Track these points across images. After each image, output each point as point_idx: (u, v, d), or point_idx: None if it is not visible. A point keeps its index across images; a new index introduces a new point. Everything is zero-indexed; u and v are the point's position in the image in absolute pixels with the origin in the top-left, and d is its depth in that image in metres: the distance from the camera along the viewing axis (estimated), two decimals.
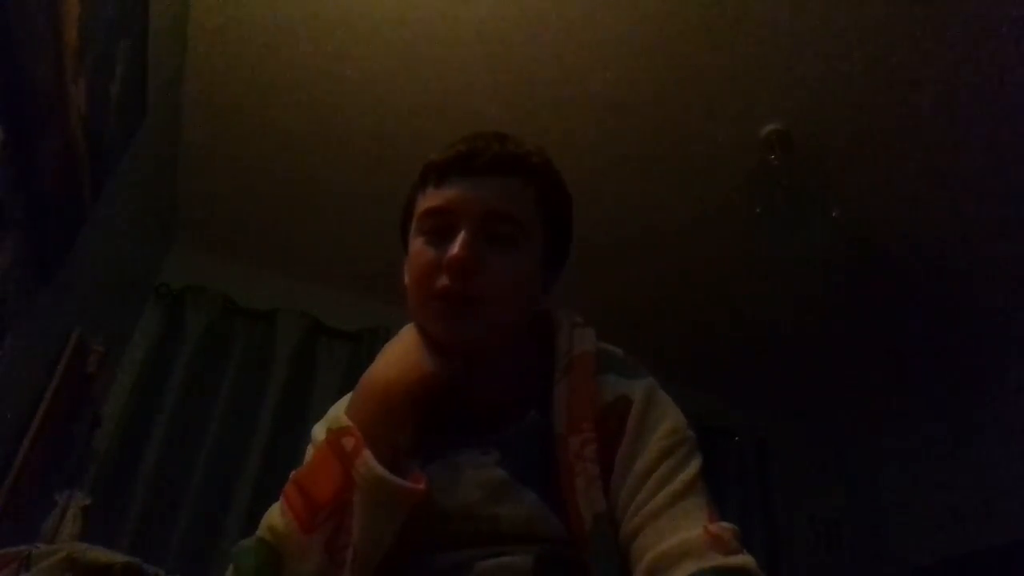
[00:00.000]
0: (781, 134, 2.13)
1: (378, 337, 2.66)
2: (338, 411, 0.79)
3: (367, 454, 0.71)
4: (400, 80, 2.15)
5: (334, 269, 2.85)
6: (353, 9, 1.98)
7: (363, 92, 2.19)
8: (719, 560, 0.65)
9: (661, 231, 2.56)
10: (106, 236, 1.85)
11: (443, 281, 0.77)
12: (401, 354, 0.79)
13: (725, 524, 0.69)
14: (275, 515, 0.74)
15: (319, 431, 0.88)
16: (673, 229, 2.54)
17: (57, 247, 1.46)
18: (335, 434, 0.75)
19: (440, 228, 0.80)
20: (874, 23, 1.88)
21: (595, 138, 2.26)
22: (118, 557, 0.73)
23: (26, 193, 1.24)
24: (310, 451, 0.87)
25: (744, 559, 0.66)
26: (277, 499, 0.77)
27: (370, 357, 0.82)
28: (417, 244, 0.81)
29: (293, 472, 0.78)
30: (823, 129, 2.15)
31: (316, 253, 2.80)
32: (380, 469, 0.70)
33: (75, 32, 1.24)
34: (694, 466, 0.74)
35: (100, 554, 0.73)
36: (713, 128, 2.19)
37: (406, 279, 0.88)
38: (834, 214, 2.19)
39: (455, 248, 0.76)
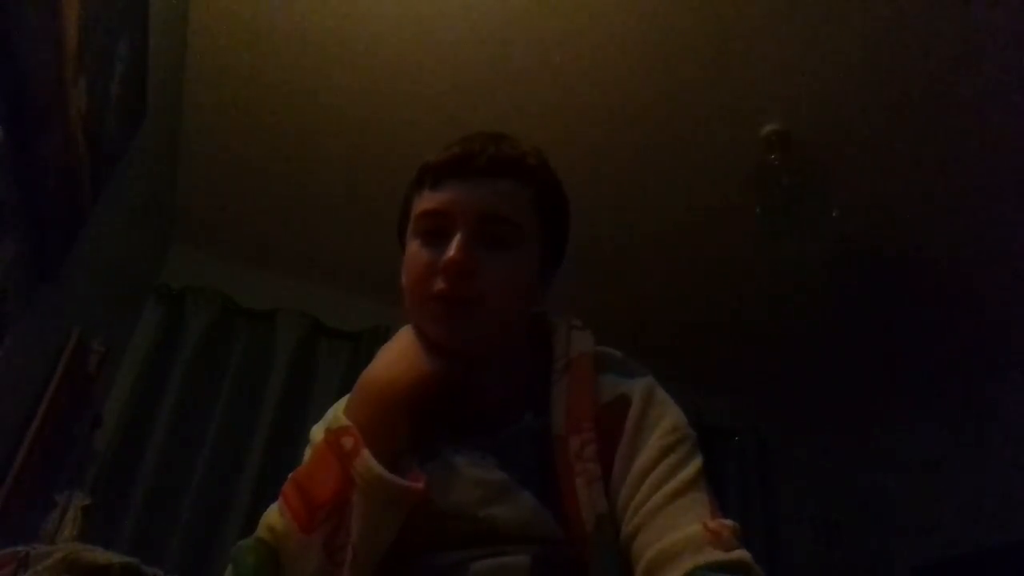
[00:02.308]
0: (781, 134, 2.13)
1: (378, 337, 2.66)
2: (336, 412, 0.79)
3: (366, 453, 0.71)
4: (401, 81, 2.15)
5: (334, 269, 2.85)
6: (353, 10, 1.98)
7: (362, 92, 2.19)
8: (717, 556, 0.65)
9: (661, 231, 2.56)
10: (106, 236, 1.85)
11: (440, 284, 0.77)
12: (399, 354, 0.79)
13: (725, 521, 0.69)
14: (274, 515, 0.74)
15: (317, 433, 0.88)
16: (673, 229, 2.54)
17: (57, 247, 1.46)
18: (334, 434, 0.74)
19: (436, 230, 0.80)
20: (874, 23, 1.88)
21: (595, 139, 2.26)
22: (117, 557, 0.73)
23: (26, 193, 1.24)
24: (308, 453, 0.87)
25: (741, 554, 0.66)
26: (277, 499, 0.77)
27: (370, 357, 0.82)
28: (413, 246, 0.81)
29: (292, 472, 0.78)
30: (823, 129, 2.15)
31: (316, 253, 2.80)
32: (379, 468, 0.70)
33: (75, 32, 1.24)
34: (694, 464, 0.74)
35: (99, 554, 0.72)
36: (713, 128, 2.19)
37: (403, 280, 0.88)
38: (834, 214, 2.19)
39: (451, 251, 0.76)
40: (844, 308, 2.78)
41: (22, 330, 1.41)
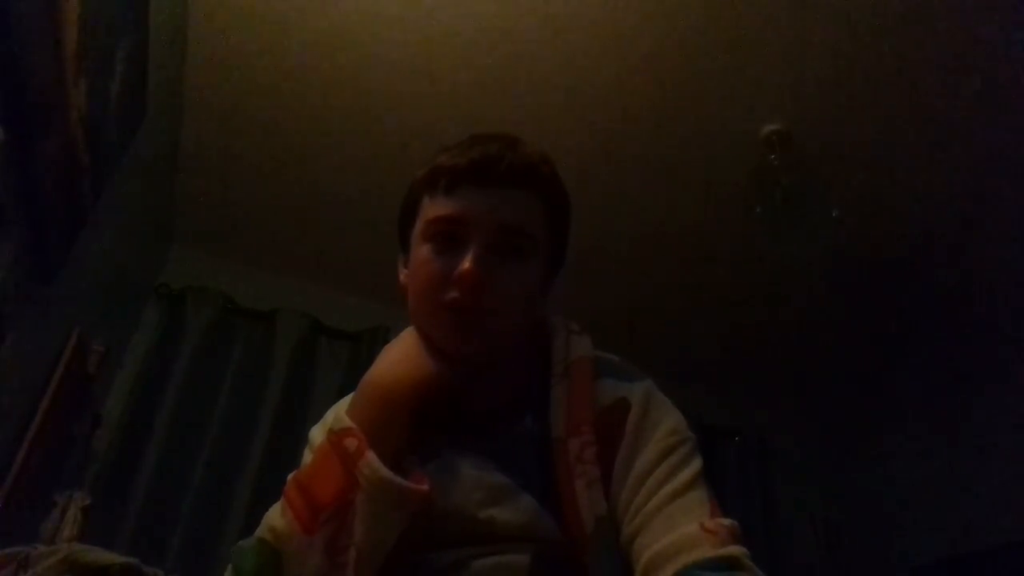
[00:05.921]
0: (781, 134, 2.13)
1: (378, 337, 2.66)
2: (337, 413, 0.79)
3: (371, 455, 0.71)
4: (400, 81, 2.15)
5: (334, 269, 2.85)
6: (353, 10, 1.98)
7: (362, 92, 2.19)
8: (709, 552, 0.65)
9: (661, 231, 2.56)
10: (106, 236, 1.85)
11: (453, 293, 0.76)
12: (403, 356, 0.79)
13: (723, 520, 0.69)
14: (276, 515, 0.74)
15: (317, 434, 0.88)
16: (673, 229, 2.54)
17: (57, 247, 1.46)
18: (337, 435, 0.75)
19: (450, 237, 0.79)
20: (874, 23, 1.88)
21: (595, 139, 2.26)
22: (117, 558, 0.73)
23: (26, 193, 1.24)
24: (307, 455, 0.87)
25: (732, 549, 0.66)
26: (277, 499, 0.77)
27: (370, 357, 0.82)
28: (424, 251, 0.80)
29: (293, 473, 0.78)
30: (823, 129, 2.15)
31: (316, 253, 2.80)
32: (385, 470, 0.70)
33: (75, 32, 1.24)
34: (694, 466, 0.74)
35: (99, 555, 0.73)
36: (713, 128, 2.19)
37: (402, 277, 0.87)
38: (834, 214, 2.19)
39: (467, 263, 0.75)
40: (844, 308, 2.78)
41: (22, 330, 1.41)
